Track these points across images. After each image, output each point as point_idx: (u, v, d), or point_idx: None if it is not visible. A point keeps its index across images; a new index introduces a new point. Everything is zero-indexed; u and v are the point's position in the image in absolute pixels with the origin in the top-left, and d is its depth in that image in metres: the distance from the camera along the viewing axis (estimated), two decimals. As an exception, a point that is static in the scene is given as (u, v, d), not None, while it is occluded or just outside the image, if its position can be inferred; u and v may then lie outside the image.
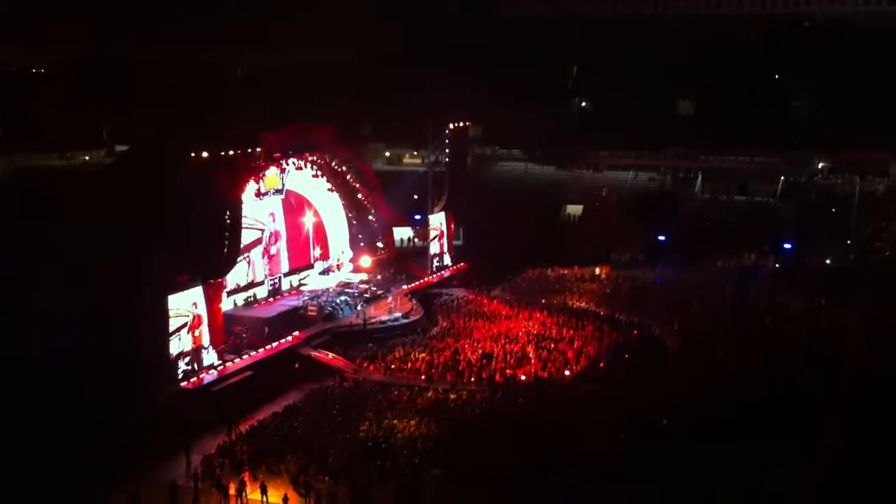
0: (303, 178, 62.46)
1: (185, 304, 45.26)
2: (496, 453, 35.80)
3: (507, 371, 47.31)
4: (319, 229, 65.97)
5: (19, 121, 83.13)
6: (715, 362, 46.92)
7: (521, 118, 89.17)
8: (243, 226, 51.24)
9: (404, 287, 64.08)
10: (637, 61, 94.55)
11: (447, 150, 70.96)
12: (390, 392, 44.55)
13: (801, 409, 38.81)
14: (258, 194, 57.24)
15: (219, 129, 55.56)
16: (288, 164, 59.36)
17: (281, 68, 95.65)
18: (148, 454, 37.21)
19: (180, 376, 44.45)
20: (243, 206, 51.25)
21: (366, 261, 66.31)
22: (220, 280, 49.28)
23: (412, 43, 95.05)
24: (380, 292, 61.51)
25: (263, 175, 56.63)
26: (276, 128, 56.88)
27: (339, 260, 67.13)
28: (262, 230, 59.45)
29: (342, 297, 58.63)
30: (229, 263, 49.80)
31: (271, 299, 58.98)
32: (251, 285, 58.18)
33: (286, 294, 60.52)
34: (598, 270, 69.11)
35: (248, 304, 57.17)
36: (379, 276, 65.71)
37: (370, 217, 68.00)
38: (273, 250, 60.65)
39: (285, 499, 32.86)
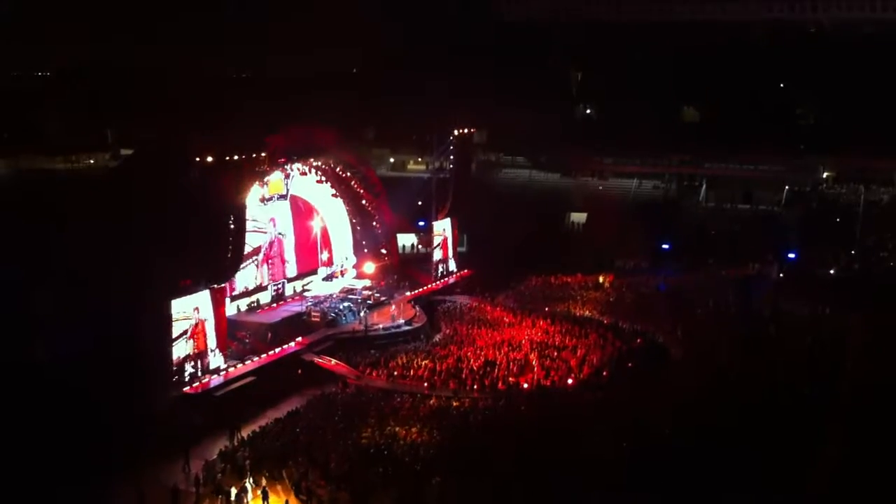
0: (307, 183, 62.43)
1: (188, 308, 45.19)
2: (498, 461, 35.72)
3: (510, 379, 47.19)
4: (324, 235, 65.94)
5: (24, 124, 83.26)
6: (718, 370, 46.87)
7: (525, 124, 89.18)
8: (249, 230, 51.32)
9: (407, 294, 63.99)
10: (641, 67, 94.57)
11: (451, 157, 70.94)
12: (393, 399, 44.47)
13: (804, 417, 38.72)
14: (263, 199, 57.28)
15: (223, 133, 55.44)
16: (292, 170, 59.41)
17: (285, 73, 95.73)
18: (150, 458, 37.14)
19: (185, 380, 44.38)
20: (248, 210, 51.30)
21: (369, 267, 66.21)
22: (224, 284, 49.28)
23: (416, 48, 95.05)
24: (383, 299, 61.41)
25: (268, 180, 56.69)
26: (279, 131, 56.80)
27: (342, 266, 67.06)
28: (267, 234, 59.49)
29: (345, 304, 58.58)
30: (233, 268, 49.75)
31: (275, 305, 58.93)
32: (256, 290, 58.14)
33: (289, 299, 60.48)
34: (601, 278, 68.96)
35: (252, 309, 57.11)
36: (382, 283, 65.62)
37: (374, 223, 67.90)
38: (277, 255, 60.61)
39: (287, 505, 32.86)
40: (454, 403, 43.86)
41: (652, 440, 37.19)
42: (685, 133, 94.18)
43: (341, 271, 66.77)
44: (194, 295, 45.75)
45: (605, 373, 48.29)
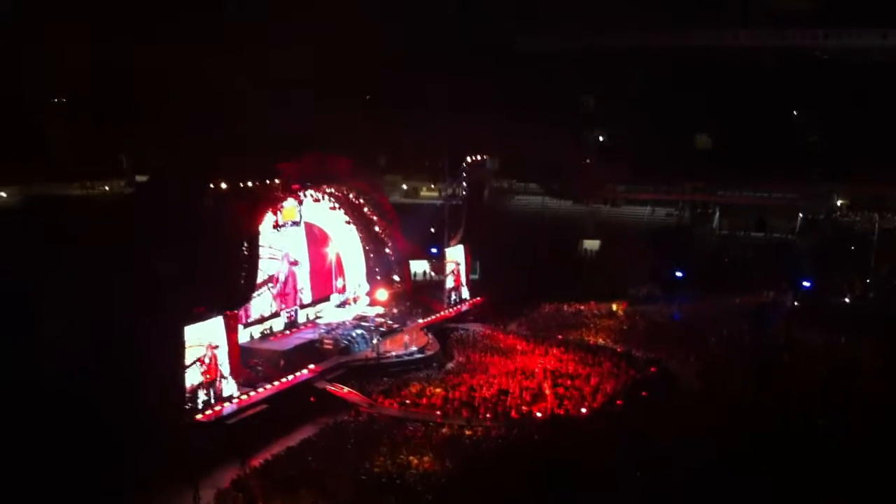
0: (320, 210, 62.63)
1: (201, 334, 45.21)
2: (511, 490, 35.47)
3: (523, 407, 46.97)
4: (337, 261, 66.08)
5: (39, 149, 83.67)
6: (732, 399, 46.54)
7: (537, 151, 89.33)
8: (263, 257, 51.47)
9: (420, 321, 63.95)
10: (654, 94, 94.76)
11: (464, 183, 71.08)
12: (405, 427, 44.24)
13: (818, 447, 38.36)
14: (276, 226, 57.51)
15: (237, 160, 55.76)
16: (306, 196, 59.66)
17: (299, 101, 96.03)
18: (162, 486, 37.02)
19: (197, 408, 44.33)
20: (262, 237, 51.52)
21: (382, 294, 66.21)
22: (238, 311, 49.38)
23: (429, 75, 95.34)
24: (396, 326, 61.40)
25: (281, 207, 56.92)
26: (293, 158, 57.05)
27: (355, 293, 67.10)
28: (281, 261, 59.66)
29: (358, 331, 58.57)
30: (247, 295, 49.91)
31: (287, 332, 58.96)
32: (269, 317, 58.22)
33: (302, 327, 60.51)
34: (614, 306, 68.78)
35: (265, 336, 57.15)
36: (395, 310, 65.61)
37: (387, 250, 68.00)
38: (288, 282, 60.71)
39: (299, 535, 32.64)
40: (467, 432, 43.58)
41: (665, 469, 36.90)
42: (698, 160, 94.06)
43: (354, 298, 66.81)
44: (208, 321, 45.79)
45: (618, 402, 48.04)
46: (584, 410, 46.75)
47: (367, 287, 67.95)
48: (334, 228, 65.25)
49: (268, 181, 52.51)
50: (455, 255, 70.00)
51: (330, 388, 50.27)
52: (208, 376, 45.42)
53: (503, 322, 65.56)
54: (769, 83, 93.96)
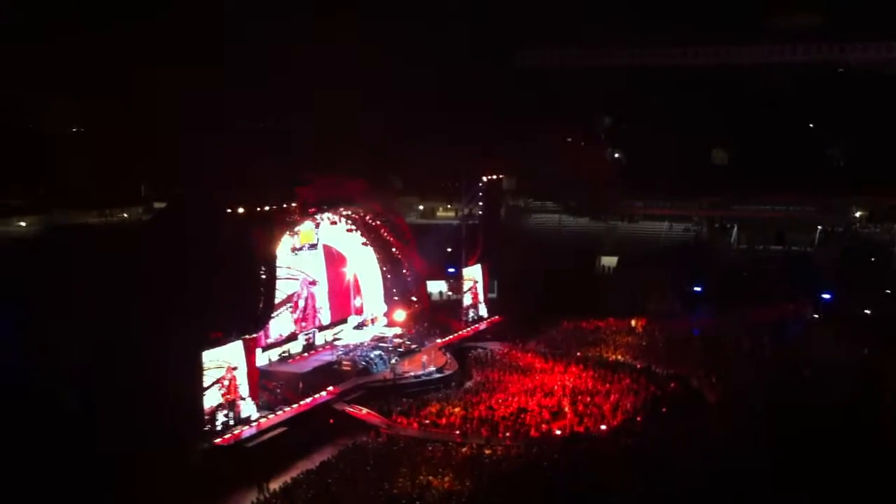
0: (337, 232, 62.88)
1: (219, 357, 45.37)
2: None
3: (543, 426, 46.81)
4: (355, 283, 66.25)
5: (58, 179, 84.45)
6: (753, 415, 46.21)
7: (554, 169, 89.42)
8: (281, 277, 51.74)
9: (438, 341, 63.92)
10: (670, 110, 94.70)
11: (480, 203, 71.18)
12: (425, 447, 44.15)
13: (840, 462, 38.01)
14: (293, 249, 57.79)
15: (254, 186, 56.12)
16: (322, 219, 59.93)
17: (311, 123, 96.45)
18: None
19: (216, 431, 44.43)
20: (279, 259, 51.82)
21: (400, 315, 66.28)
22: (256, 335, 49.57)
23: (444, 95, 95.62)
24: (414, 346, 61.44)
25: (298, 230, 57.22)
26: (309, 182, 57.35)
27: (373, 314, 67.21)
28: (299, 282, 59.91)
29: (376, 352, 58.63)
30: (264, 320, 50.08)
31: (305, 354, 59.09)
32: (287, 339, 58.40)
33: (320, 349, 60.63)
34: (633, 322, 68.57)
35: (283, 359, 57.29)
36: (413, 330, 65.66)
37: (404, 271, 68.12)
38: (307, 303, 60.91)
39: (319, 557, 32.55)
40: (487, 451, 43.45)
41: (685, 486, 36.65)
42: (715, 175, 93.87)
43: (372, 319, 66.92)
44: (226, 346, 45.99)
45: (638, 418, 47.81)
46: (603, 427, 46.54)
47: (384, 308, 68.06)
48: (351, 250, 65.46)
49: (284, 205, 52.77)
50: (472, 274, 70.05)
51: (349, 409, 50.31)
52: (227, 397, 45.50)
53: (521, 340, 65.40)
54: (786, 97, 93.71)
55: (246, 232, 47.35)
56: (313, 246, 60.40)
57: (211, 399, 44.65)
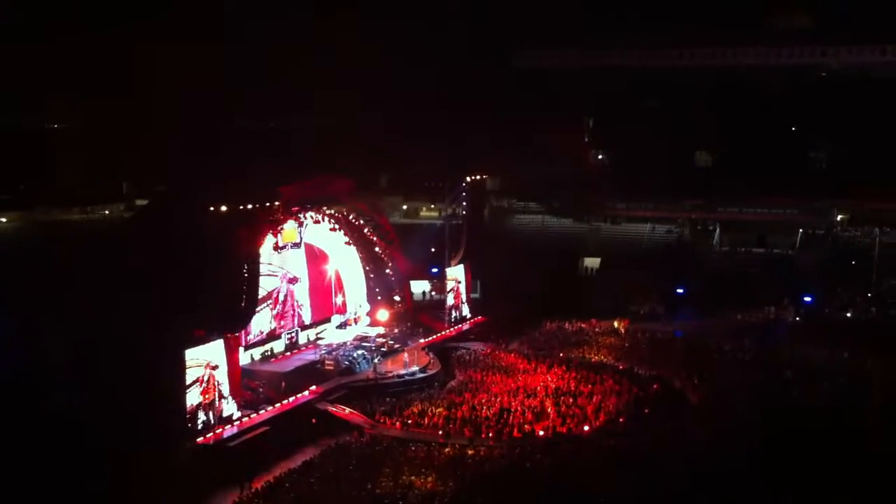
0: (320, 231, 62.69)
1: (199, 355, 45.09)
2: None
3: (526, 426, 46.79)
4: (337, 282, 66.09)
5: (39, 175, 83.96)
6: (735, 416, 46.38)
7: (538, 170, 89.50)
8: (263, 274, 51.54)
9: (421, 341, 63.84)
10: (654, 113, 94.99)
11: (464, 203, 71.16)
12: (408, 448, 44.09)
13: (822, 464, 38.19)
14: (276, 248, 57.56)
15: (237, 184, 55.93)
16: (306, 218, 59.76)
17: (297, 124, 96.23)
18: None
19: (198, 430, 44.16)
20: (262, 257, 51.64)
21: (383, 314, 66.19)
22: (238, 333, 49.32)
23: (428, 95, 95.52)
24: (397, 346, 61.34)
25: (281, 229, 57.02)
26: (293, 181, 57.20)
27: (356, 313, 67.05)
28: (280, 279, 59.66)
29: (359, 351, 58.48)
30: (247, 318, 49.87)
31: (288, 353, 58.86)
32: (269, 338, 58.14)
33: (303, 348, 60.42)
34: (616, 323, 68.70)
35: (265, 358, 57.05)
36: (396, 330, 65.56)
37: (387, 270, 68.06)
38: (287, 300, 60.67)
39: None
40: (469, 452, 43.43)
41: (668, 487, 36.74)
42: (698, 177, 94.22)
43: (355, 319, 66.76)
44: (207, 344, 45.72)
45: (621, 419, 47.88)
46: (586, 428, 46.58)
47: (367, 307, 67.95)
48: (334, 249, 65.29)
49: (268, 204, 52.58)
50: (456, 274, 69.98)
51: (332, 409, 50.16)
52: (207, 396, 45.22)
53: (505, 341, 65.44)
54: (768, 100, 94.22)
55: (229, 230, 47.11)
56: (296, 244, 60.19)
57: (192, 398, 44.31)
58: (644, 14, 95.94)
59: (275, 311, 59.24)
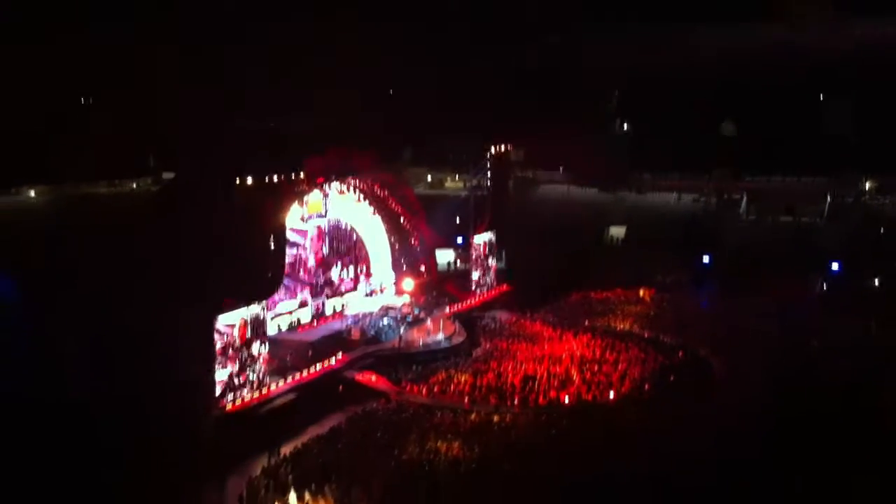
0: (345, 202, 62.91)
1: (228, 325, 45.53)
2: (540, 476, 35.62)
3: (551, 393, 47.04)
4: (363, 252, 66.36)
5: (68, 150, 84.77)
6: (762, 385, 46.37)
7: (563, 141, 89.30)
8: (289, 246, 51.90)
9: (447, 310, 64.10)
10: (681, 83, 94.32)
11: (489, 174, 71.10)
12: (434, 415, 44.48)
13: (850, 435, 38.15)
14: (302, 219, 57.86)
15: (263, 156, 56.31)
16: (331, 189, 59.99)
17: (322, 97, 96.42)
18: (195, 478, 37.42)
19: (227, 399, 44.67)
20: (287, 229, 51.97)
21: (408, 284, 66.41)
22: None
23: (454, 67, 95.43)
24: (422, 315, 61.62)
25: (307, 200, 57.30)
26: (319, 153, 57.42)
27: (381, 283, 67.35)
28: (307, 250, 59.95)
29: (385, 321, 58.82)
30: (274, 287, 50.29)
31: (314, 323, 59.32)
32: (297, 307, 58.57)
33: (329, 317, 60.86)
34: (641, 292, 68.70)
35: (292, 327, 57.53)
36: (422, 299, 65.83)
37: (412, 241, 68.22)
38: (317, 273, 61.04)
39: (330, 522, 32.88)
40: (495, 418, 43.74)
41: (693, 457, 36.86)
42: (725, 147, 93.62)
43: (381, 288, 67.07)
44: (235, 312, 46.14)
45: (646, 387, 48.04)
46: (611, 396, 46.78)
47: (393, 277, 68.20)
48: (359, 221, 65.49)
49: (293, 176, 52.85)
50: (480, 244, 70.03)
51: (358, 377, 50.60)
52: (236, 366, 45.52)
53: (530, 309, 65.60)
54: (796, 69, 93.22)
55: (255, 202, 47.43)
56: (321, 215, 60.42)
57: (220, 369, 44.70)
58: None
59: (299, 281, 59.41)
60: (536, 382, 48.26)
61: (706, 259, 75.35)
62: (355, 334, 56.32)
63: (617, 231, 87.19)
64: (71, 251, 56.85)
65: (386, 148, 70.73)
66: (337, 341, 55.09)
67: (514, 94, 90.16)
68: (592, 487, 34.24)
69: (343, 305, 63.20)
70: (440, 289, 68.79)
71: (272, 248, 48.63)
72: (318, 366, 50.44)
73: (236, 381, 45.05)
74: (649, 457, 36.98)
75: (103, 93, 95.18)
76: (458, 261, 74.30)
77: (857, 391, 44.72)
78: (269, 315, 50.69)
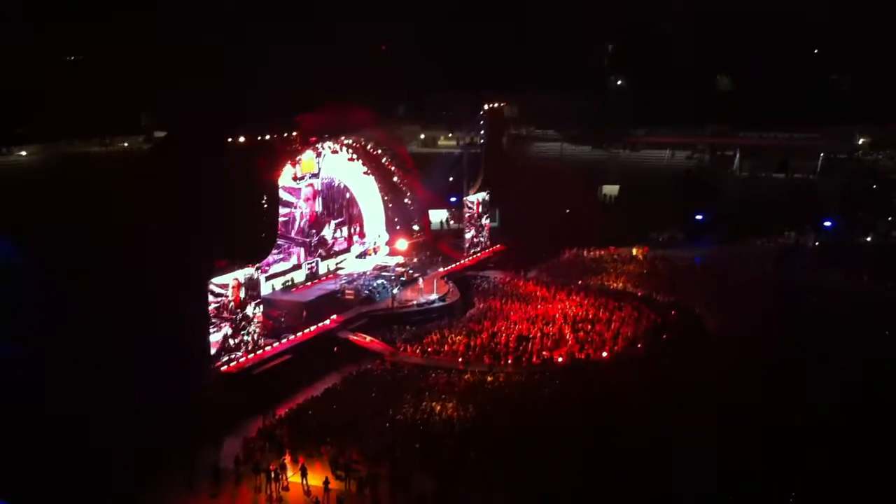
0: (339, 161, 62.66)
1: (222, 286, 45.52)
2: (533, 435, 35.92)
3: (544, 353, 47.28)
4: (356, 212, 66.25)
5: (59, 108, 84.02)
6: (755, 341, 46.65)
7: (556, 98, 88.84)
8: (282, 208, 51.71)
9: (441, 270, 64.19)
10: (674, 39, 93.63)
11: (482, 132, 70.77)
12: (428, 375, 44.76)
13: (844, 390, 38.39)
14: (295, 178, 57.65)
15: (255, 114, 55.76)
16: (324, 148, 59.69)
17: (315, 51, 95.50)
18: (189, 439, 37.57)
19: (221, 360, 44.79)
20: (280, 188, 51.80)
21: (402, 244, 66.43)
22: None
23: (447, 23, 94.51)
24: (416, 275, 61.67)
25: (300, 159, 57.04)
26: (310, 110, 56.94)
27: (375, 243, 67.35)
28: (299, 210, 59.83)
29: (379, 281, 58.92)
30: (268, 248, 50.21)
31: (309, 283, 59.38)
32: (290, 269, 58.57)
33: (323, 278, 60.91)
34: (635, 250, 68.80)
35: (287, 288, 57.58)
36: (415, 259, 65.93)
37: (406, 200, 68.09)
38: (310, 233, 61.00)
39: (326, 482, 33.12)
40: (489, 378, 44.02)
41: (687, 413, 37.14)
42: (719, 103, 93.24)
43: (374, 248, 67.08)
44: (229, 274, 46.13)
45: (639, 345, 48.29)
46: (605, 354, 47.03)
47: (386, 237, 68.19)
48: (352, 180, 65.30)
49: (286, 134, 52.51)
50: (474, 203, 69.97)
51: (353, 337, 50.77)
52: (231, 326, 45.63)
53: (524, 269, 65.69)
54: (789, 24, 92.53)
55: (248, 161, 47.18)
56: (315, 175, 60.22)
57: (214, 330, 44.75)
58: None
59: (294, 231, 59.35)
60: (530, 342, 48.50)
61: (700, 216, 75.35)
62: (349, 295, 56.40)
63: (610, 189, 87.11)
64: (61, 212, 56.42)
65: (379, 105, 70.04)
66: (331, 302, 55.21)
67: (507, 50, 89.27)
68: (586, 445, 34.55)
69: (337, 266, 63.25)
70: (434, 248, 68.87)
71: (265, 207, 48.45)
72: (313, 327, 50.63)
73: (231, 342, 45.22)
74: (641, 413, 37.28)
75: (94, 50, 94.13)
76: (452, 220, 74.21)
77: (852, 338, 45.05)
78: (262, 276, 50.74)
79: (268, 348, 47.26)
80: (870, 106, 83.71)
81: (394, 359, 47.74)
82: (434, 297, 57.76)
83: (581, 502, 31.68)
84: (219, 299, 44.42)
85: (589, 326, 50.90)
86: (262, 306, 47.88)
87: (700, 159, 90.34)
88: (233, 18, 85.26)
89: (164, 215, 44.86)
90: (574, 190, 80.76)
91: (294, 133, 53.46)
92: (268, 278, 55.25)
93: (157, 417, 36.90)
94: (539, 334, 49.57)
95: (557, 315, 53.11)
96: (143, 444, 35.21)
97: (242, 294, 45.83)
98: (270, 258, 54.44)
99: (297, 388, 44.30)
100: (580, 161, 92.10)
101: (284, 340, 48.53)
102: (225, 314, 44.70)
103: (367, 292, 56.82)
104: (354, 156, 63.88)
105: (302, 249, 60.14)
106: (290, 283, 58.22)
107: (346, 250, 65.26)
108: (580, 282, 61.32)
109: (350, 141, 62.43)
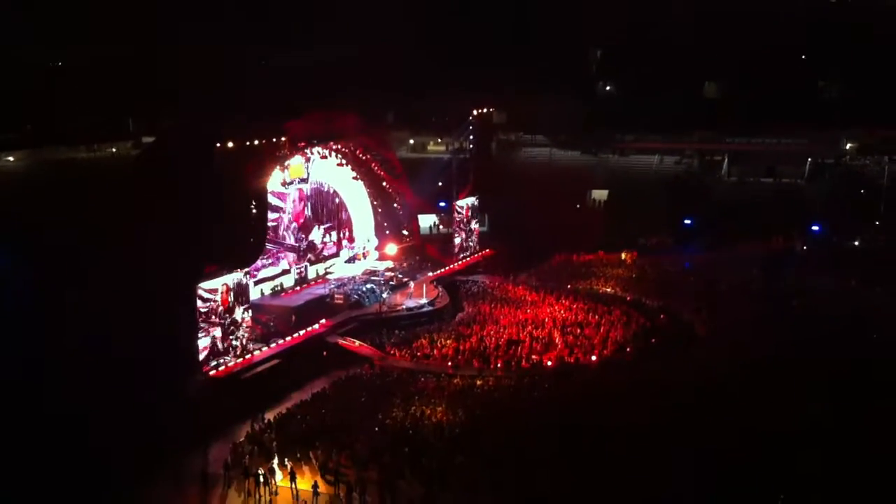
0: (328, 166, 62.63)
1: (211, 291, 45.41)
2: (522, 439, 35.86)
3: (534, 357, 47.30)
4: (345, 217, 66.22)
5: (47, 114, 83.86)
6: (743, 346, 46.75)
7: (545, 103, 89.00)
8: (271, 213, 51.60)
9: (430, 274, 64.20)
10: (662, 44, 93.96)
11: (471, 137, 70.86)
12: (417, 379, 44.72)
13: (832, 392, 38.51)
14: (284, 183, 57.59)
15: (244, 120, 55.71)
16: (313, 153, 59.65)
17: (306, 60, 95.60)
18: (177, 443, 37.43)
19: (210, 365, 44.66)
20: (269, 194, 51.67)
21: (391, 248, 66.44)
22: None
23: (436, 30, 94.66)
24: (405, 279, 61.69)
25: (288, 164, 56.98)
26: (300, 116, 56.92)
27: (364, 248, 67.32)
28: (288, 215, 59.77)
29: (368, 285, 58.89)
30: (256, 253, 50.09)
31: (298, 288, 59.28)
32: (279, 273, 58.49)
33: (313, 283, 60.83)
34: (623, 255, 68.92)
35: (275, 292, 57.47)
36: (405, 264, 65.91)
37: (395, 205, 68.09)
38: (299, 238, 60.93)
39: (315, 487, 33.03)
40: (478, 382, 43.99)
41: (675, 416, 37.15)
42: (707, 109, 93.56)
43: (363, 253, 67.05)
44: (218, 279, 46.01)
45: (628, 349, 48.36)
46: (594, 358, 47.07)
47: (376, 242, 68.18)
48: (342, 185, 65.27)
49: (274, 139, 52.44)
50: (463, 208, 70.01)
51: (342, 342, 50.68)
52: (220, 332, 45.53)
53: (513, 273, 65.73)
54: (777, 30, 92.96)
55: (236, 166, 47.07)
56: (304, 180, 60.17)
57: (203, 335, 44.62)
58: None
59: (281, 249, 59.37)
60: (519, 346, 48.51)
61: (689, 221, 75.55)
62: (339, 299, 56.33)
63: (599, 194, 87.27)
64: (50, 217, 56.27)
65: (368, 111, 70.08)
66: (320, 307, 55.14)
67: (496, 56, 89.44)
68: (575, 449, 34.54)
69: (326, 270, 63.19)
70: (423, 253, 68.87)
71: (254, 212, 48.34)
72: (302, 331, 50.53)
73: (220, 346, 45.10)
74: (630, 417, 37.29)
75: (84, 54, 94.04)
76: (441, 225, 74.21)
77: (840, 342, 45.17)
78: (251, 281, 50.63)
79: (257, 353, 47.14)
80: (857, 111, 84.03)
81: (383, 363, 47.68)
82: (423, 301, 57.76)
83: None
84: (207, 304, 44.25)
85: (578, 330, 50.96)
86: (251, 311, 47.76)
87: (688, 164, 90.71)
88: (222, 21, 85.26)
89: (153, 220, 44.78)
90: (563, 195, 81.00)
91: (283, 138, 53.41)
92: (257, 283, 55.14)
93: (144, 422, 36.77)
94: (528, 338, 49.59)
95: (547, 319, 53.15)
96: (130, 448, 35.00)
97: (231, 299, 45.68)
98: (259, 263, 54.35)
99: (286, 392, 44.22)
100: (569, 166, 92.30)
101: (273, 345, 48.40)
102: (214, 319, 44.55)
103: (356, 297, 56.76)
104: (343, 161, 63.86)
105: (291, 254, 60.06)
106: (279, 287, 58.12)
107: (336, 255, 65.26)
108: (569, 286, 61.43)
109: (339, 146, 62.38)
